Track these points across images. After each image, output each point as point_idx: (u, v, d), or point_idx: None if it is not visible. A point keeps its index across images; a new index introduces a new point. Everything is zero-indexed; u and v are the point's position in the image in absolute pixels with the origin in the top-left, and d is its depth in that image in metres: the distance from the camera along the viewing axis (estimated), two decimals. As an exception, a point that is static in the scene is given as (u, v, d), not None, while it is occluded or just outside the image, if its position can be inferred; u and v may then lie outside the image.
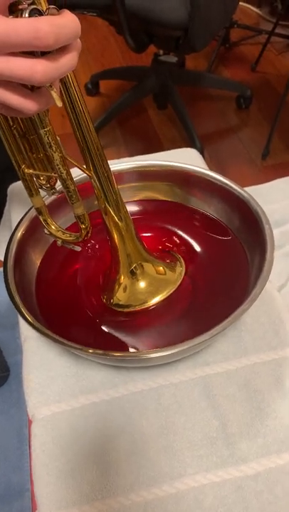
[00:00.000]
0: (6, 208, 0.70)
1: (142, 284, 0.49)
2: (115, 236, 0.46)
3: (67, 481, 0.42)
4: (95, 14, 1.34)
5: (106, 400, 0.46)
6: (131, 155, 1.59)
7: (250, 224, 0.50)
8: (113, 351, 0.40)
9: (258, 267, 0.45)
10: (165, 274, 0.50)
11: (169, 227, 0.57)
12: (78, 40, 0.32)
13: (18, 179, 0.71)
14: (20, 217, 0.52)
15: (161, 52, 1.55)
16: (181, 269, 0.50)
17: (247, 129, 1.69)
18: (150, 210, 0.59)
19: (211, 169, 0.55)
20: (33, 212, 0.53)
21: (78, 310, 0.50)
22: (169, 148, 1.71)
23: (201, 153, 1.53)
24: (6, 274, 0.46)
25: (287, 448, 0.42)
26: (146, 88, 1.67)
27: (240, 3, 2.00)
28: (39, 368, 0.49)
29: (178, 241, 0.55)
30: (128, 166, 0.57)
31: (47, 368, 0.49)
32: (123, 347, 0.46)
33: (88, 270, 0.53)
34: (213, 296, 0.50)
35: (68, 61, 0.31)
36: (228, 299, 0.47)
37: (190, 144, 1.55)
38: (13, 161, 0.40)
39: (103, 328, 0.48)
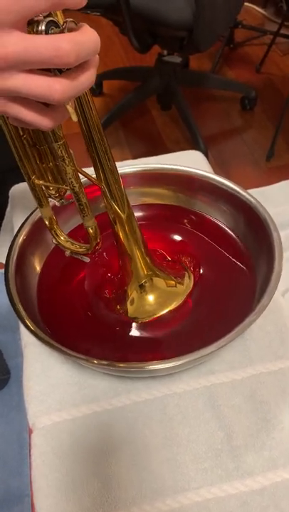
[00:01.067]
0: (8, 209, 0.69)
1: (151, 298, 0.48)
2: (126, 248, 0.46)
3: (68, 493, 0.41)
4: (98, 14, 1.33)
5: (108, 409, 0.45)
6: (134, 156, 1.58)
7: (257, 230, 0.49)
8: (117, 362, 0.39)
9: (265, 275, 0.44)
10: (175, 286, 0.49)
11: (173, 232, 0.55)
12: (97, 55, 0.31)
13: (21, 180, 0.71)
14: (23, 221, 0.52)
15: (165, 52, 1.54)
16: (189, 280, 0.49)
17: (251, 130, 1.67)
18: (153, 215, 0.58)
19: (215, 170, 0.54)
20: (35, 216, 0.52)
21: (80, 316, 0.49)
22: (172, 149, 1.70)
23: (205, 154, 1.52)
24: (7, 280, 0.45)
25: (294, 461, 0.41)
26: (149, 89, 1.66)
27: (245, 3, 1.98)
28: (40, 375, 0.48)
29: (183, 248, 0.54)
30: (133, 170, 0.56)
31: (48, 375, 0.48)
32: (127, 356, 0.45)
33: (91, 276, 0.52)
34: (218, 306, 0.48)
35: (87, 79, 0.30)
36: (234, 308, 0.46)
37: (194, 145, 1.54)
38: (23, 172, 0.39)
39: (106, 335, 0.47)
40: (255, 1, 2.23)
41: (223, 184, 0.52)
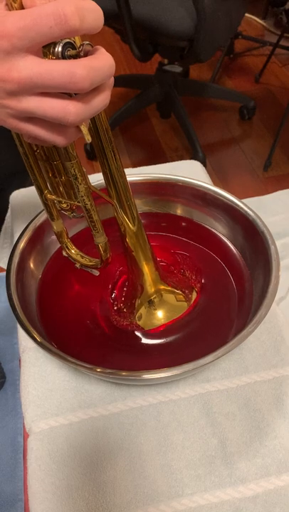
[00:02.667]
0: (8, 215, 0.70)
1: (160, 314, 0.49)
2: (136, 263, 0.46)
3: (63, 497, 0.41)
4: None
5: (104, 415, 0.45)
6: (133, 162, 1.60)
7: (256, 243, 0.50)
8: (114, 370, 0.39)
9: (262, 288, 0.45)
10: (184, 300, 0.50)
11: (173, 242, 0.56)
12: (112, 78, 0.32)
13: (24, 186, 0.71)
14: (22, 226, 0.52)
15: (166, 61, 1.55)
16: (194, 294, 0.50)
17: (249, 140, 1.69)
18: (152, 223, 0.58)
19: (212, 179, 0.55)
20: (37, 223, 0.52)
21: (80, 323, 0.49)
22: (171, 157, 1.71)
23: (203, 162, 1.54)
24: (8, 286, 0.45)
25: (286, 469, 0.42)
26: (149, 97, 1.67)
27: (246, 14, 2.01)
28: (37, 380, 0.48)
29: (183, 259, 0.55)
30: (132, 179, 0.57)
31: (45, 380, 0.48)
32: (124, 363, 0.46)
33: (91, 283, 0.53)
34: (215, 316, 0.49)
35: (101, 101, 0.31)
36: (231, 320, 0.47)
37: (192, 153, 1.55)
38: (35, 186, 0.40)
39: (104, 342, 0.48)
40: (256, 13, 2.26)
41: (222, 196, 0.53)
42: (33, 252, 0.51)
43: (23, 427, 0.47)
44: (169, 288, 0.50)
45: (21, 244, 0.50)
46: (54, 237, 0.54)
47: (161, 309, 0.49)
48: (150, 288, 0.48)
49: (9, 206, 0.68)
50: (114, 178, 0.41)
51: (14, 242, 0.51)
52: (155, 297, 0.49)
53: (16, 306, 0.44)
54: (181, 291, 0.51)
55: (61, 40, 0.28)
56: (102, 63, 0.29)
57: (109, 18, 1.30)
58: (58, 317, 0.49)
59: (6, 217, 0.71)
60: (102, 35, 2.11)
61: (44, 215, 0.53)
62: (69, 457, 0.43)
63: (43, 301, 0.50)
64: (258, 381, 0.47)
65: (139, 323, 0.48)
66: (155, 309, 0.49)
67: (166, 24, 1.24)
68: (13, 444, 0.92)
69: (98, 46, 0.31)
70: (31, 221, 0.52)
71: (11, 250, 0.50)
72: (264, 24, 2.25)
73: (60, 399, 0.47)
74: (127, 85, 1.85)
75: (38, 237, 0.52)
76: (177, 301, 0.50)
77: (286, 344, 0.50)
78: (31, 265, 0.51)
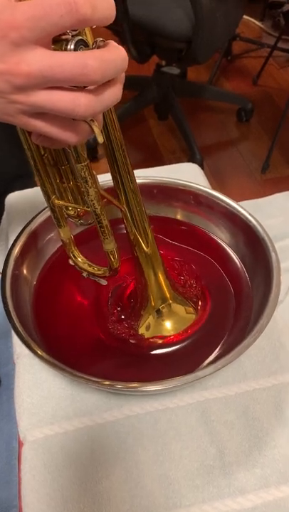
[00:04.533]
0: (4, 217, 0.69)
1: (168, 324, 0.48)
2: (144, 272, 0.45)
3: (58, 509, 0.40)
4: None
5: (100, 423, 0.45)
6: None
7: (256, 250, 0.49)
8: (108, 381, 0.38)
9: (263, 295, 0.44)
10: (193, 313, 0.49)
11: (173, 249, 0.55)
12: (123, 72, 0.30)
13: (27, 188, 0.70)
14: (17, 230, 0.51)
15: (163, 63, 1.55)
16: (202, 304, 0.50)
17: (247, 142, 1.69)
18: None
19: (209, 181, 0.55)
20: (32, 227, 0.52)
21: (76, 330, 0.49)
22: (168, 159, 1.70)
23: (201, 164, 1.53)
24: (4, 292, 0.45)
25: (286, 480, 0.41)
26: (147, 98, 1.67)
27: (244, 16, 2.01)
28: (32, 387, 0.47)
29: (180, 265, 0.54)
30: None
31: (40, 387, 0.47)
32: (121, 371, 0.45)
33: (88, 290, 0.52)
34: (215, 324, 0.48)
35: (112, 95, 0.30)
36: (231, 329, 0.47)
37: (190, 155, 1.54)
38: (42, 191, 0.39)
39: (101, 350, 0.47)
40: (254, 14, 2.26)
41: (222, 201, 0.53)
42: (27, 258, 0.50)
43: (19, 440, 0.46)
44: (180, 298, 0.48)
45: (16, 250, 0.49)
46: (50, 242, 0.54)
47: (169, 320, 0.48)
48: (159, 297, 0.47)
49: (5, 209, 0.67)
50: (124, 183, 0.40)
51: (9, 246, 0.50)
52: (164, 307, 0.47)
53: (11, 314, 0.43)
54: (192, 301, 0.49)
55: (73, 37, 0.27)
56: (114, 56, 0.28)
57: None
58: (53, 324, 0.49)
59: (2, 220, 0.71)
60: (99, 36, 2.09)
61: (39, 220, 0.52)
62: (64, 467, 0.42)
63: (38, 307, 0.49)
64: (256, 389, 0.47)
65: (147, 333, 0.47)
66: (163, 320, 0.47)
67: (163, 25, 1.23)
68: (7, 449, 0.91)
69: (110, 40, 0.29)
70: (26, 226, 0.51)
71: (6, 253, 0.49)
72: (262, 26, 2.25)
73: (55, 407, 0.46)
74: (124, 87, 1.83)
75: (32, 242, 0.51)
76: (186, 313, 0.49)
77: (285, 350, 0.50)
78: (25, 271, 0.50)
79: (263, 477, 0.41)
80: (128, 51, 1.34)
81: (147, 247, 0.44)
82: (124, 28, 1.25)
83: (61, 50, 0.27)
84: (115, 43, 0.30)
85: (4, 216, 0.69)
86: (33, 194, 0.67)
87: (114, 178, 0.40)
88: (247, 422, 0.44)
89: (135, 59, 1.37)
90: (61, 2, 0.25)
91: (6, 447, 0.92)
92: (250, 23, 2.26)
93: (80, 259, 0.44)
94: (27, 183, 0.85)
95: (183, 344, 0.47)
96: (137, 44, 1.33)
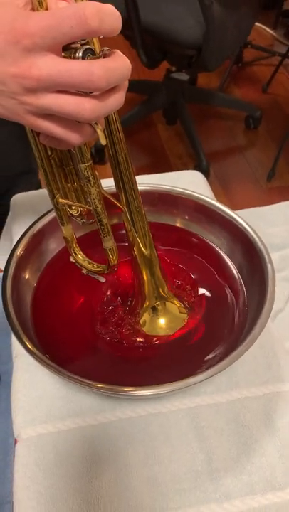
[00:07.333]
0: (8, 218, 0.70)
1: (162, 321, 0.49)
2: (142, 270, 0.47)
3: (48, 506, 0.41)
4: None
5: (93, 424, 0.46)
6: (136, 167, 1.59)
7: (253, 261, 0.50)
8: (101, 383, 0.40)
9: (257, 305, 0.45)
10: (185, 313, 0.50)
11: (173, 254, 0.56)
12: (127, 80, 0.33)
13: (31, 187, 0.72)
14: (21, 230, 0.53)
15: (173, 68, 1.56)
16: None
17: (254, 149, 1.69)
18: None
19: (215, 187, 0.55)
20: (35, 229, 0.53)
21: (74, 332, 0.50)
22: (175, 164, 1.71)
23: (207, 170, 1.54)
24: (4, 292, 0.46)
25: (272, 488, 0.42)
26: (156, 103, 1.68)
27: (256, 23, 2.02)
28: (28, 386, 0.48)
29: (177, 270, 0.55)
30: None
31: (36, 387, 0.48)
32: (117, 375, 0.46)
33: (87, 291, 0.53)
34: (208, 330, 0.49)
35: (115, 101, 0.32)
36: (224, 335, 0.47)
37: (196, 160, 1.55)
38: (48, 190, 0.41)
39: (97, 352, 0.48)
40: (267, 22, 2.26)
41: (222, 211, 0.54)
42: (29, 259, 0.51)
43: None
44: (174, 298, 0.50)
45: (18, 251, 0.50)
46: (51, 244, 0.55)
47: (164, 317, 0.49)
48: (154, 294, 0.48)
49: (10, 209, 0.69)
50: (125, 185, 0.42)
51: (13, 246, 0.51)
52: (159, 305, 0.49)
53: (11, 313, 0.44)
54: (186, 303, 0.51)
55: (82, 46, 0.30)
56: (118, 65, 0.31)
57: (119, 24, 1.31)
58: (51, 325, 0.50)
59: (7, 221, 0.72)
60: (111, 40, 2.11)
61: (43, 222, 0.53)
62: (55, 466, 0.43)
63: (37, 308, 0.51)
64: (248, 397, 0.47)
65: (144, 328, 0.49)
66: (158, 317, 0.49)
67: (175, 32, 1.25)
68: (3, 446, 0.92)
69: (116, 50, 0.32)
70: (30, 227, 0.53)
71: (9, 252, 0.50)
72: (274, 34, 2.26)
73: (49, 406, 0.47)
74: (134, 91, 1.86)
75: (35, 243, 0.52)
76: (180, 312, 0.50)
77: (278, 361, 0.50)
78: (27, 272, 0.52)
79: (250, 484, 0.42)
80: (139, 56, 1.36)
81: (145, 246, 0.46)
82: (135, 33, 1.26)
83: (70, 57, 0.30)
84: (120, 53, 0.32)
85: (9, 216, 0.70)
86: (39, 196, 0.68)
87: (115, 179, 0.42)
88: (237, 429, 0.45)
89: (145, 64, 1.38)
90: (72, 15, 0.27)
91: (1, 444, 0.92)
92: (263, 30, 2.27)
93: (80, 257, 0.46)
94: (31, 180, 0.87)
95: (177, 349, 0.48)
96: (147, 49, 1.34)
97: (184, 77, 1.50)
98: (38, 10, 0.29)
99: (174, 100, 1.63)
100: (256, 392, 0.48)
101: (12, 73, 0.29)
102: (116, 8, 0.29)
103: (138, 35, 1.27)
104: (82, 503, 0.41)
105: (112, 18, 0.29)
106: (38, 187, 0.89)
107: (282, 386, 0.48)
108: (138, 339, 0.48)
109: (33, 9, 0.29)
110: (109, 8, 0.29)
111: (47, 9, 0.29)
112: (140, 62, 1.43)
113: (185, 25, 1.24)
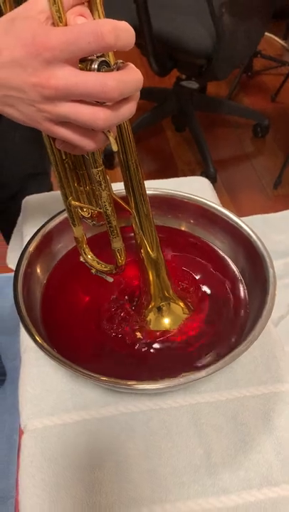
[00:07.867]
0: (20, 219, 0.72)
1: (167, 321, 0.51)
2: (149, 271, 0.49)
3: (52, 494, 0.43)
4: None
5: (97, 418, 0.47)
6: (145, 173, 1.62)
7: (255, 265, 0.52)
8: (108, 377, 0.42)
9: (258, 308, 0.47)
10: (189, 315, 0.52)
11: (177, 257, 0.58)
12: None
13: (42, 188, 0.74)
14: (32, 232, 0.55)
15: (183, 76, 1.59)
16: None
17: (261, 157, 1.71)
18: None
19: (222, 194, 0.57)
20: (46, 229, 0.55)
21: (82, 328, 0.52)
22: (183, 171, 1.73)
23: (214, 177, 1.56)
24: (16, 289, 0.48)
25: (268, 483, 0.43)
26: (166, 110, 1.70)
27: (266, 33, 2.04)
28: (35, 379, 0.50)
29: (181, 272, 0.57)
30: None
31: (43, 380, 0.50)
32: (121, 369, 0.48)
33: (95, 290, 0.55)
34: (210, 330, 0.51)
35: (127, 110, 0.34)
36: (225, 335, 0.49)
37: (204, 167, 1.57)
38: (61, 192, 0.43)
39: (104, 348, 0.50)
40: (277, 32, 2.29)
41: (226, 216, 0.55)
42: (40, 258, 0.54)
43: (20, 428, 0.49)
44: (179, 299, 0.52)
45: (30, 249, 0.52)
46: (61, 244, 0.57)
47: (168, 317, 0.51)
48: (160, 295, 0.50)
49: (21, 210, 0.71)
50: (135, 189, 0.44)
51: (24, 246, 0.53)
52: (164, 305, 0.51)
53: (21, 308, 0.46)
54: (191, 305, 0.53)
55: (97, 58, 0.32)
56: (131, 77, 0.33)
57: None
58: (59, 321, 0.52)
59: (18, 221, 0.74)
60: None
61: (54, 223, 0.55)
62: (60, 456, 0.45)
63: (46, 304, 0.53)
64: (247, 396, 0.49)
65: (149, 327, 0.50)
66: (163, 317, 0.51)
67: (185, 42, 1.27)
68: (8, 442, 0.94)
69: (129, 63, 0.34)
70: (41, 227, 0.55)
71: (20, 253, 0.52)
72: (284, 44, 2.28)
73: (56, 399, 0.49)
74: (144, 97, 1.87)
75: (46, 243, 0.54)
76: (183, 313, 0.52)
77: (277, 362, 0.52)
78: (38, 270, 0.54)
79: (246, 479, 0.43)
80: (149, 64, 1.38)
81: (152, 249, 0.48)
82: (146, 42, 1.29)
83: (86, 68, 0.32)
84: (133, 66, 0.34)
85: (20, 217, 0.72)
86: (49, 198, 0.70)
87: (125, 183, 0.45)
88: (235, 427, 0.47)
89: (156, 72, 1.41)
90: (90, 31, 0.30)
91: (6, 440, 0.95)
92: (273, 40, 2.29)
93: (89, 257, 0.48)
94: (42, 182, 0.89)
95: (180, 347, 0.50)
96: (158, 58, 1.37)
97: (193, 85, 1.52)
98: (58, 25, 0.31)
99: (183, 108, 1.65)
100: (255, 391, 0.49)
101: (32, 83, 0.31)
102: (128, 16, 0.32)
103: (149, 43, 1.29)
104: (84, 491, 0.43)
105: (126, 34, 0.31)
106: (50, 189, 0.91)
107: (280, 386, 0.50)
108: (143, 336, 0.50)
109: (53, 24, 0.31)
110: (125, 25, 0.31)
111: (66, 24, 0.31)
112: (150, 70, 1.45)
113: (196, 35, 1.26)
